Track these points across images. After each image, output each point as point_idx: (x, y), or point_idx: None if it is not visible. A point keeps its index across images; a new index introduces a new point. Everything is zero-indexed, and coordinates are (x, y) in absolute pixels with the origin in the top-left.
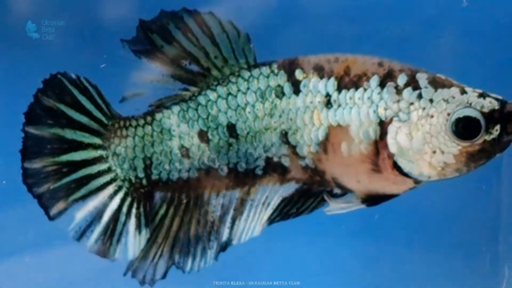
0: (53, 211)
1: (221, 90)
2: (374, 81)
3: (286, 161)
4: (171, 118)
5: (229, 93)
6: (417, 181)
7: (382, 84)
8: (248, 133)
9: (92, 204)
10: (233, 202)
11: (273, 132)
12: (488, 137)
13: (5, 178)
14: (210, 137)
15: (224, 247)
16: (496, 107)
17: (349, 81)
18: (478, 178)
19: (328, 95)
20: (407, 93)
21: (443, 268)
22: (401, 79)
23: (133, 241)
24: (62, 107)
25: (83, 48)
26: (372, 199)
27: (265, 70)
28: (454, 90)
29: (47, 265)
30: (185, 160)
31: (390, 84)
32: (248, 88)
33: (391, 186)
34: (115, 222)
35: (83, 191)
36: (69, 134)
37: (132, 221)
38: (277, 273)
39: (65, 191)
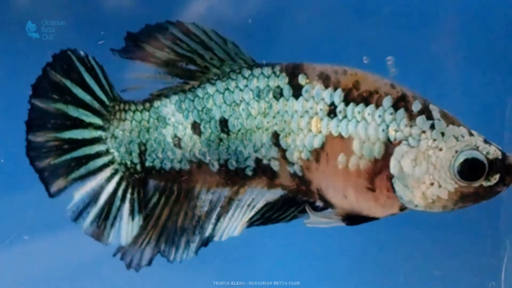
0: (53, 188)
1: (220, 84)
2: (388, 101)
3: (275, 165)
4: (168, 106)
5: (227, 89)
6: (402, 208)
7: (395, 106)
8: (239, 130)
9: (90, 185)
10: (221, 199)
11: (265, 133)
12: (485, 183)
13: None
14: (202, 129)
15: (205, 242)
16: (500, 157)
17: (358, 96)
18: None
19: (332, 105)
20: (421, 120)
21: (445, 244)
22: (416, 106)
23: (126, 227)
24: (68, 83)
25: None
26: (353, 219)
27: (267, 70)
28: (463, 130)
29: (46, 248)
30: (177, 150)
31: (404, 108)
32: (246, 86)
33: (377, 208)
34: (110, 206)
35: (82, 170)
36: (72, 111)
37: (126, 206)
38: (277, 273)
39: (65, 169)
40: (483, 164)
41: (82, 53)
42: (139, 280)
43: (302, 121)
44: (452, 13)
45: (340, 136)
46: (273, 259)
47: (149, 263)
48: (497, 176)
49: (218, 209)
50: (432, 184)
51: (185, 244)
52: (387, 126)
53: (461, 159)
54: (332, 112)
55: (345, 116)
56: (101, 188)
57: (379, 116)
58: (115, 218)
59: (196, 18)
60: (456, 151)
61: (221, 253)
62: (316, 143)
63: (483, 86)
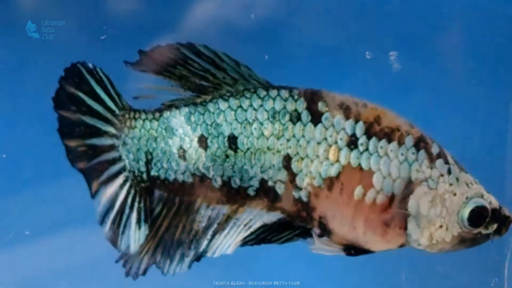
0: (92, 189)
1: (233, 101)
2: (410, 140)
3: (280, 188)
4: (177, 118)
5: (240, 106)
6: (401, 245)
7: (416, 146)
8: (248, 148)
9: (110, 190)
10: (219, 216)
11: (276, 154)
12: (483, 231)
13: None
14: (209, 143)
15: (198, 257)
16: (497, 207)
17: (379, 131)
18: (483, 149)
19: (354, 136)
20: (440, 164)
21: None
22: (435, 149)
23: (134, 236)
24: (81, 95)
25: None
26: (353, 249)
27: (284, 93)
28: (471, 178)
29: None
30: (181, 162)
31: (425, 149)
32: (261, 106)
33: (381, 243)
34: (121, 213)
35: (105, 175)
36: (89, 120)
37: (134, 214)
38: (277, 273)
39: (95, 172)
40: (488, 212)
41: (90, 65)
42: (139, 280)
43: (320, 148)
44: (457, 7)
45: (360, 168)
46: (273, 259)
47: (144, 273)
48: (495, 225)
49: (215, 225)
50: (441, 226)
51: (180, 258)
52: (410, 165)
53: (470, 206)
54: (352, 143)
55: (366, 149)
56: (116, 194)
57: (402, 154)
58: (125, 225)
59: (199, 15)
60: (467, 198)
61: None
62: (332, 172)
63: (487, 82)
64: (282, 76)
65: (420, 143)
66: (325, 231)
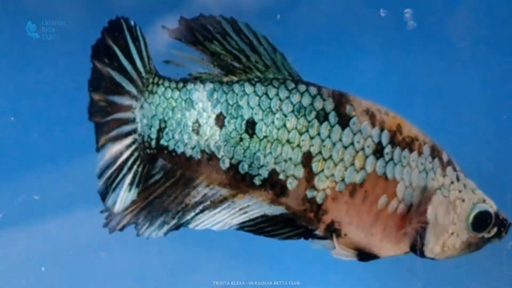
0: (99, 143)
1: (260, 88)
2: (427, 149)
3: (291, 184)
4: (200, 91)
5: (266, 93)
6: (407, 252)
7: (432, 155)
8: (265, 136)
9: (115, 148)
10: (215, 196)
11: (295, 149)
12: (486, 235)
13: None
14: (225, 123)
15: (178, 227)
16: (497, 211)
17: (402, 140)
18: (499, 116)
19: (380, 145)
20: (450, 171)
21: None
22: (445, 157)
23: (122, 195)
24: (117, 50)
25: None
26: (364, 255)
27: (313, 90)
28: (473, 183)
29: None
30: (193, 136)
31: (438, 157)
32: (287, 98)
33: (393, 250)
34: (119, 172)
35: (114, 132)
36: (117, 76)
37: (129, 176)
38: (277, 273)
39: (107, 128)
40: (492, 217)
41: (132, 22)
42: (141, 280)
43: (346, 153)
44: None
45: (385, 177)
46: (273, 259)
47: (122, 229)
48: (496, 229)
49: (208, 202)
50: (452, 233)
51: (160, 224)
52: (427, 174)
53: (476, 210)
54: (378, 151)
55: (391, 159)
56: (121, 153)
57: (421, 163)
58: (117, 184)
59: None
60: (473, 203)
61: (221, 253)
62: (357, 178)
63: (504, 41)
64: (295, 34)
65: (434, 152)
66: (335, 235)
